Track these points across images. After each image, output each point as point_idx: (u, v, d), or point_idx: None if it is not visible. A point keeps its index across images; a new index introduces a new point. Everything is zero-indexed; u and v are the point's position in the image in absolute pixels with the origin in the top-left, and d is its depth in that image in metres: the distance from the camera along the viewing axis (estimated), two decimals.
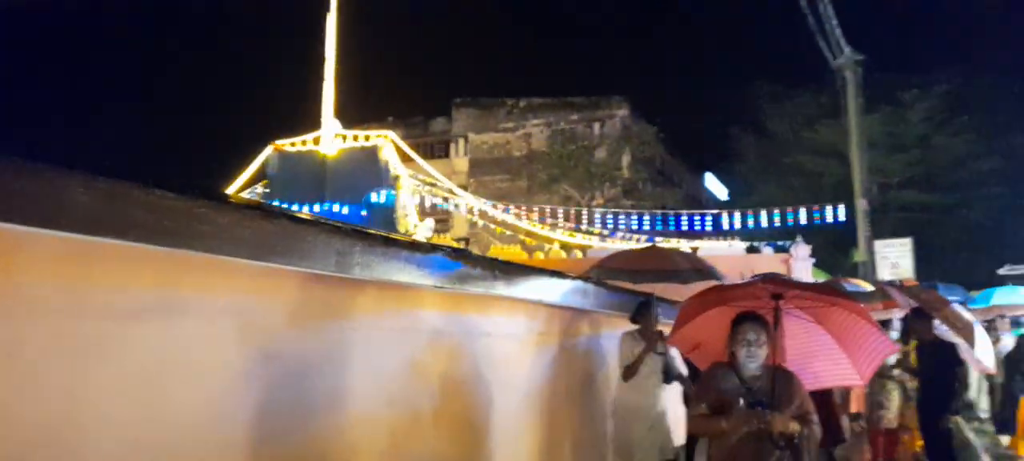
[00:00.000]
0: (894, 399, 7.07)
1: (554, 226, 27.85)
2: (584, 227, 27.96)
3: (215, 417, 2.54)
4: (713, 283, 5.17)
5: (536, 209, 28.04)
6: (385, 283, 3.19)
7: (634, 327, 5.32)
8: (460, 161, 40.29)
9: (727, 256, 17.27)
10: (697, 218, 26.06)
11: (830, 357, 3.60)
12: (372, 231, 3.03)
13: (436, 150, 39.89)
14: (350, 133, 27.30)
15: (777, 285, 3.54)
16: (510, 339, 4.56)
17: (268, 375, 2.73)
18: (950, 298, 7.83)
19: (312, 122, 26.87)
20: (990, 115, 27.24)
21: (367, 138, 27.39)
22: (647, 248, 9.21)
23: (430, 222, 27.41)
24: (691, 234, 24.77)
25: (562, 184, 33.59)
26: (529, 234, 28.23)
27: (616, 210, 28.41)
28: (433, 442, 3.67)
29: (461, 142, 40.68)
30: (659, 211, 27.36)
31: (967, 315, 6.96)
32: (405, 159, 28.57)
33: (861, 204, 17.50)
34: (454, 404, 3.87)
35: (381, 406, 3.36)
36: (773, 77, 31.97)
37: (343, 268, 2.88)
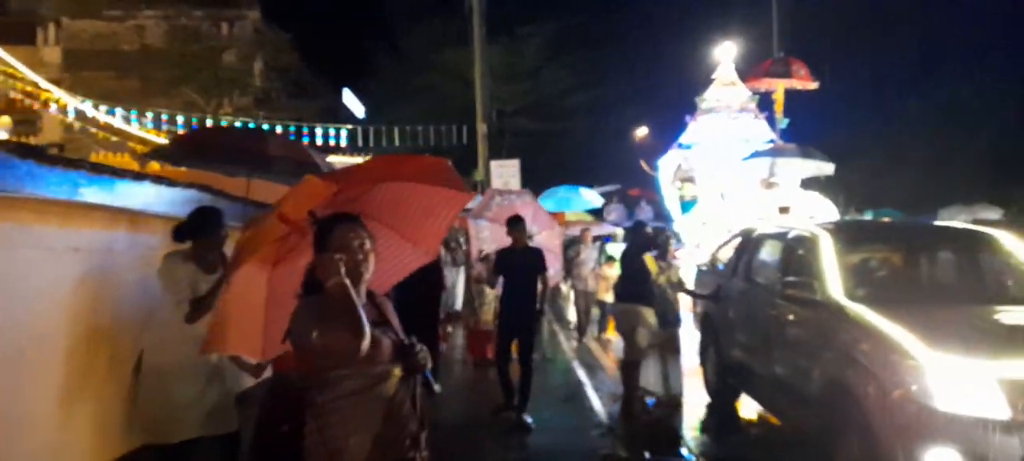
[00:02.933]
0: (489, 301, 7.89)
1: (173, 134, 24.97)
2: None
3: None
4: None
5: (150, 114, 24.76)
6: None
7: (183, 247, 3.80)
8: (50, 51, 33.59)
9: None
10: (333, 132, 26.05)
11: (398, 248, 2.91)
12: None
13: (17, 34, 32.35)
14: None
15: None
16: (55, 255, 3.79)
17: None
18: None
19: None
20: (586, 56, 32.19)
21: None
22: (227, 128, 7.71)
23: (6, 119, 22.38)
24: (327, 149, 24.73)
25: (184, 88, 30.14)
26: (142, 142, 24.92)
27: (247, 119, 26.60)
28: None
29: (52, 28, 33.90)
30: (294, 123, 26.38)
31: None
32: None
33: (481, 128, 19.12)
34: None
35: None
36: None
37: None
